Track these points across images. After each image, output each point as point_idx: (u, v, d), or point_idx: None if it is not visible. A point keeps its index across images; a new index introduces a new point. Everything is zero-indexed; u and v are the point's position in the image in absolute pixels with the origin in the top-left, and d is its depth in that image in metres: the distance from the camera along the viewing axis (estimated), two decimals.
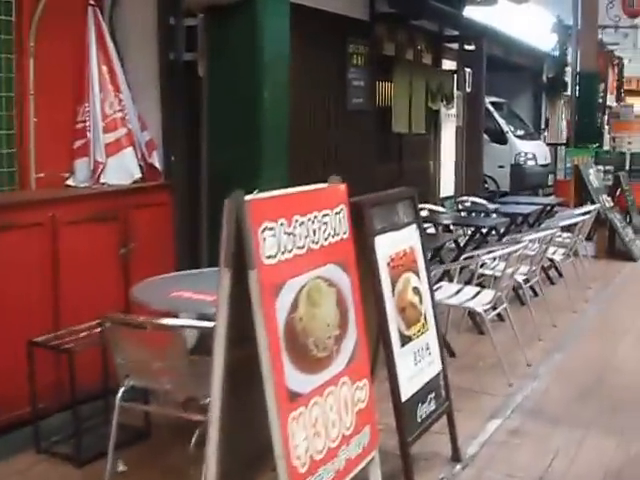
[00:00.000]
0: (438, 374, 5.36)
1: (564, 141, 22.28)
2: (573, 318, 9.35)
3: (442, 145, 14.60)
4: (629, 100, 40.20)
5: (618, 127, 24.01)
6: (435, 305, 5.43)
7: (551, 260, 9.97)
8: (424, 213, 10.49)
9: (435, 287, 7.10)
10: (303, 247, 3.79)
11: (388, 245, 4.93)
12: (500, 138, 19.44)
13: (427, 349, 5.24)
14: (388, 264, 4.90)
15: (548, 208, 12.05)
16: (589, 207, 11.30)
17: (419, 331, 5.15)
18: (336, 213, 4.20)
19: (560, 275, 10.73)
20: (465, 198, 12.31)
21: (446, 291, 7.39)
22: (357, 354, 4.20)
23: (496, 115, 19.55)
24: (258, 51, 6.51)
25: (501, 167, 19.31)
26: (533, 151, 19.50)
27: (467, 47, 15.09)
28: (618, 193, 14.65)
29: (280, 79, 6.71)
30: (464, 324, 8.28)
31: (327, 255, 4.04)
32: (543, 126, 22.18)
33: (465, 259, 8.41)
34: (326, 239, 4.05)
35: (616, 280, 11.73)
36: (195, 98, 7.12)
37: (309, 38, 9.70)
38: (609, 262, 13.01)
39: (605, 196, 13.89)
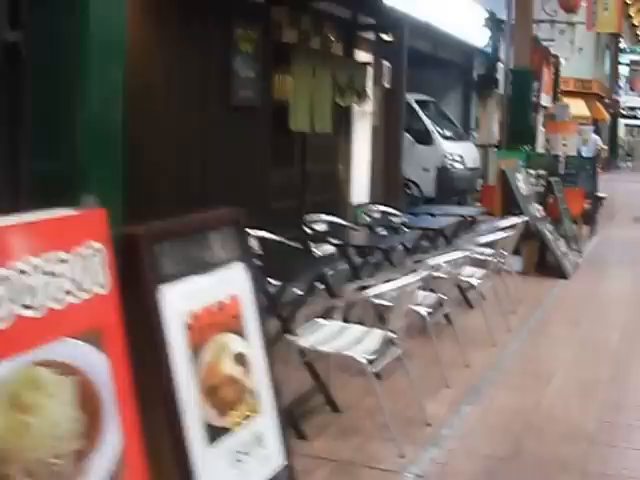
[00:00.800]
0: (278, 474, 3.76)
1: (495, 142, 20.94)
2: (491, 355, 7.84)
3: (355, 146, 13.02)
4: (566, 101, 39.33)
5: (553, 128, 22.71)
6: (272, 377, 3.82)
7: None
8: (321, 227, 8.90)
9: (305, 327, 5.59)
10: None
11: (187, 297, 3.37)
12: (425, 139, 17.98)
13: (259, 441, 3.64)
14: (187, 325, 3.30)
15: (469, 219, 10.51)
16: (515, 219, 9.75)
17: (244, 417, 3.55)
18: (83, 255, 2.76)
19: (482, 297, 9.22)
20: (373, 207, 10.75)
21: (323, 333, 5.79)
22: (124, 474, 2.64)
23: (421, 114, 18.07)
24: (83, 34, 4.82)
25: (426, 170, 17.84)
26: (461, 153, 18.04)
27: (385, 38, 13.50)
28: (550, 201, 13.16)
29: (111, 72, 5.00)
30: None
31: (59, 325, 2.64)
32: (473, 126, 20.71)
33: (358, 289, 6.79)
34: (58, 299, 2.63)
35: (545, 302, 10.27)
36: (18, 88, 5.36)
37: (182, 21, 8.12)
38: (538, 280, 11.56)
39: (535, 205, 12.40)
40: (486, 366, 7.44)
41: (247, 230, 3.89)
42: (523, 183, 12.39)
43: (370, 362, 5.38)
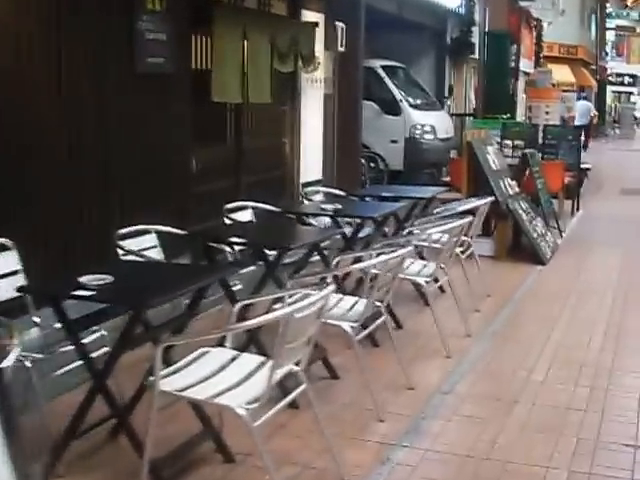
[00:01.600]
0: None
1: (472, 111, 19.44)
2: (443, 369, 6.44)
3: (303, 118, 11.46)
4: (550, 67, 37.75)
5: (534, 95, 21.22)
6: None
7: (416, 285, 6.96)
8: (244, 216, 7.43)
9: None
10: None
11: None
12: (393, 108, 16.48)
13: None
14: None
15: (425, 202, 9.00)
16: (476, 202, 8.25)
17: None
18: None
19: (441, 290, 7.79)
20: (313, 189, 9.26)
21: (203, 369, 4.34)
22: None
23: (388, 81, 16.56)
24: None
25: (394, 142, 16.36)
26: (432, 123, 16.52)
27: None
28: (525, 175, 11.67)
29: None
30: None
31: None
32: (447, 94, 19.14)
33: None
34: None
35: (516, 296, 8.79)
36: None
37: None
38: (511, 266, 10.13)
39: (508, 180, 10.90)
40: (434, 388, 5.98)
41: None
42: (494, 156, 10.89)
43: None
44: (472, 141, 10.37)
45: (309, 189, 9.08)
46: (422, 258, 7.85)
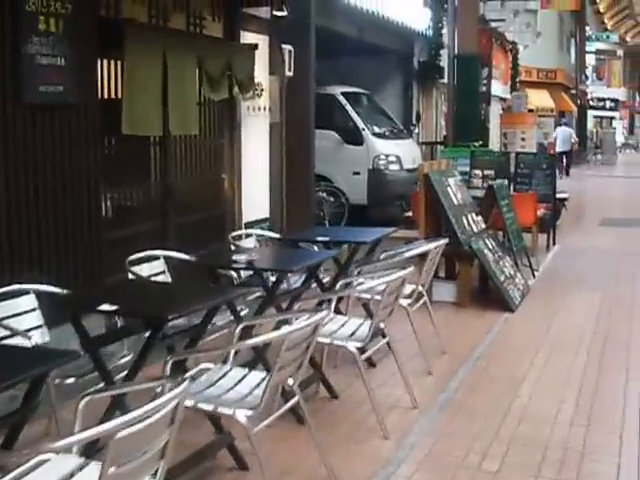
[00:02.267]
0: None
1: (442, 139, 18.39)
2: (377, 455, 5.31)
3: (245, 150, 10.36)
4: (529, 92, 36.82)
5: (509, 121, 20.23)
6: None
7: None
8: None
9: None
10: None
11: None
12: (355, 138, 15.38)
13: None
14: None
15: (372, 245, 7.84)
16: (431, 244, 7.12)
17: None
18: None
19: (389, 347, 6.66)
20: (246, 231, 8.17)
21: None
22: None
23: (349, 109, 15.45)
24: None
25: (357, 174, 15.25)
26: (398, 153, 15.42)
27: (278, 13, 10.86)
28: (493, 209, 10.57)
29: None
30: None
31: None
32: (414, 121, 18.06)
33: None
34: None
35: (477, 351, 7.67)
36: None
37: None
38: (475, 314, 9.00)
39: (473, 216, 9.78)
40: None
41: None
42: (456, 190, 9.76)
43: None
44: (430, 174, 9.23)
45: (235, 233, 7.89)
46: (368, 311, 6.72)
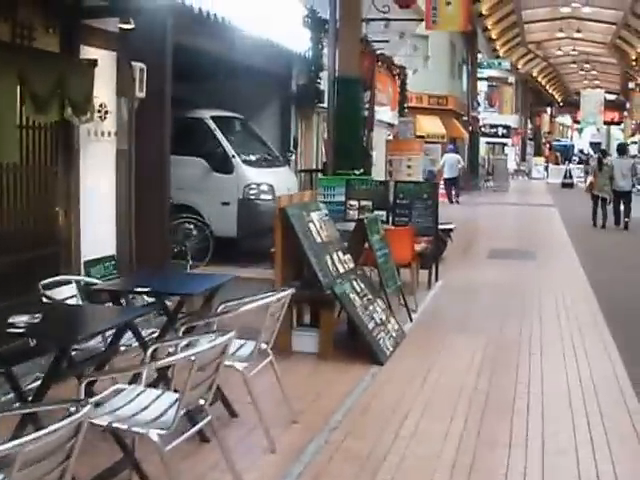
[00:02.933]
0: None
1: (320, 167, 17.35)
2: None
3: (85, 180, 9.07)
4: (421, 118, 36.18)
5: (395, 148, 19.38)
6: None
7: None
8: None
9: None
10: None
11: None
12: (224, 165, 14.20)
13: None
14: None
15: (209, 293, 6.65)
16: (271, 297, 5.92)
17: None
18: None
19: (232, 415, 5.46)
20: (60, 278, 6.87)
21: None
22: None
23: (219, 134, 14.25)
24: None
25: (226, 204, 14.02)
26: (271, 182, 14.25)
27: (124, 26, 9.64)
28: (365, 246, 9.49)
29: None
30: None
31: None
32: (291, 148, 16.93)
33: None
34: None
35: (332, 420, 6.45)
36: None
37: None
38: (338, 369, 7.90)
39: (340, 254, 8.67)
40: None
41: None
42: (320, 225, 8.63)
43: None
44: (287, 208, 8.07)
45: (49, 280, 6.59)
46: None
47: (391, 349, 8.27)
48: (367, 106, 16.84)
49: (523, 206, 30.65)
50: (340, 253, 8.72)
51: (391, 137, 24.02)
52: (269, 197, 14.18)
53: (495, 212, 27.85)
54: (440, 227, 14.68)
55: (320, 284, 7.82)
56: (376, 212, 12.30)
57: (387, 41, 18.92)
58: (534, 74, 66.03)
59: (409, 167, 19.35)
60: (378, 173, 20.05)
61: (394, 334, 8.60)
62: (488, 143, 55.05)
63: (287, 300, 5.93)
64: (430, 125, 37.52)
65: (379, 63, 22.37)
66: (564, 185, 44.11)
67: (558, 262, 15.58)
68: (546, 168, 56.66)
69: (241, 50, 14.59)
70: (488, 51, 50.45)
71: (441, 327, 9.76)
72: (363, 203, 12.56)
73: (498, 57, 52.15)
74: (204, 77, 15.86)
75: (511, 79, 57.47)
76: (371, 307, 8.48)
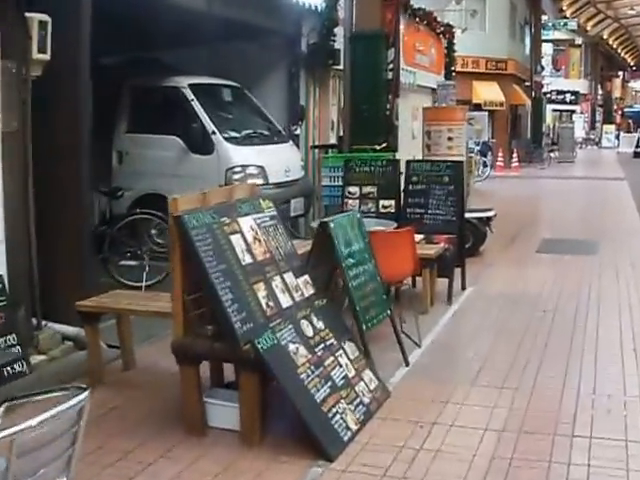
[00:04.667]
0: None
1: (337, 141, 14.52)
2: None
3: None
4: (477, 85, 32.94)
5: (432, 117, 16.32)
6: None
7: None
8: None
9: None
10: None
11: None
12: (204, 145, 11.39)
13: None
14: None
15: None
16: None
17: None
18: None
19: None
20: None
21: None
22: None
23: (197, 107, 11.46)
24: None
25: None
26: (260, 162, 11.42)
27: None
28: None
29: None
30: None
31: None
32: (299, 120, 14.05)
33: None
34: None
35: None
36: None
37: None
38: (266, 462, 4.99)
39: (289, 279, 5.84)
40: None
41: None
42: (255, 236, 5.76)
43: None
44: (186, 216, 5.22)
45: None
46: None
47: (355, 427, 5.42)
48: (391, 67, 13.85)
49: (589, 180, 27.33)
50: (289, 276, 5.89)
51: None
52: (259, 181, 11.37)
53: (555, 188, 24.64)
54: (476, 215, 11.84)
55: (234, 334, 4.99)
56: (382, 201, 9.47)
57: None
58: (604, 36, 61.59)
59: (450, 139, 16.29)
60: (416, 147, 17.12)
61: (366, 398, 5.75)
62: (555, 110, 51.38)
63: (85, 410, 3.14)
64: (487, 92, 34.36)
65: (417, 19, 19.37)
66: (636, 155, 40.47)
67: (627, 257, 12.40)
68: (617, 136, 52.82)
69: (236, 4, 11.85)
70: (554, 12, 46.72)
71: (449, 375, 6.84)
72: (366, 190, 9.75)
73: (565, 17, 48.35)
74: (190, 38, 13.11)
75: (578, 41, 53.59)
76: (328, 361, 5.64)
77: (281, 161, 12.02)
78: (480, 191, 22.35)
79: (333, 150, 14.28)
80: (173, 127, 11.57)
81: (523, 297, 9.58)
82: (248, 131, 12.18)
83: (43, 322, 7.33)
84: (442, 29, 22.37)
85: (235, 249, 5.50)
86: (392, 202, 9.59)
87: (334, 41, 14.09)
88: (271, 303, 5.55)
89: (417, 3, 19.12)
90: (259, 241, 5.80)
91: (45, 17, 7.32)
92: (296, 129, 13.23)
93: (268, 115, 13.05)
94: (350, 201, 9.76)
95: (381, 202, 9.60)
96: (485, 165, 27.68)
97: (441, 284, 9.35)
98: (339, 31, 13.92)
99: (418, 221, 9.36)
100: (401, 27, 18.02)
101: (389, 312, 6.83)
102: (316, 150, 14.53)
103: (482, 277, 10.61)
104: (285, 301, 5.72)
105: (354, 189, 9.73)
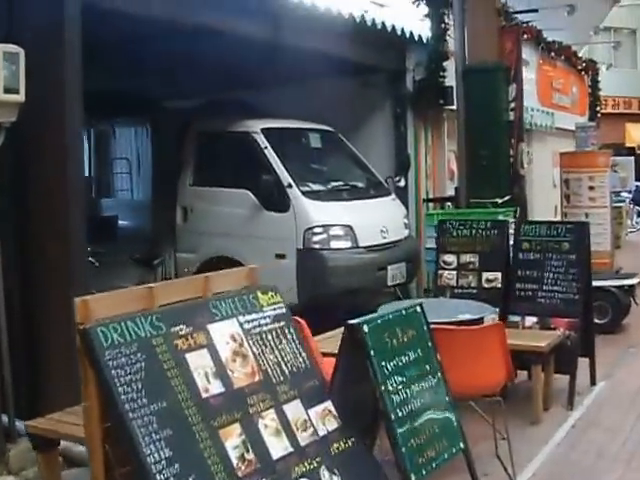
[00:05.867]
0: None
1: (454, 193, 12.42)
2: None
3: None
4: (630, 128, 30.16)
5: (570, 163, 14.04)
6: None
7: None
8: None
9: None
10: None
11: None
12: (277, 200, 9.57)
13: None
14: None
15: None
16: None
17: None
18: None
19: None
20: None
21: None
22: None
23: (270, 154, 9.62)
24: None
25: (280, 256, 9.39)
26: (348, 221, 9.48)
27: None
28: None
29: None
30: None
31: None
32: (400, 170, 11.97)
33: None
34: None
35: None
36: None
37: None
38: None
39: (315, 411, 3.76)
40: None
41: None
42: (234, 351, 3.77)
43: None
44: (96, 330, 3.25)
45: None
46: None
47: None
48: (512, 106, 11.70)
49: None
50: (293, 406, 3.89)
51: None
52: (345, 244, 9.44)
53: None
54: (616, 283, 9.58)
55: None
56: (486, 274, 7.36)
57: (536, 11, 13.61)
58: None
59: (591, 189, 13.96)
60: (558, 198, 14.84)
61: None
62: None
63: None
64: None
65: (552, 54, 17.12)
66: None
67: None
68: None
69: (330, 37, 10.11)
70: None
71: None
72: (465, 259, 7.61)
73: None
74: (278, 77, 11.40)
75: None
76: None
77: (377, 219, 10.04)
78: (633, 243, 19.80)
79: (450, 204, 12.22)
80: (244, 179, 9.84)
81: None
82: (336, 183, 10.25)
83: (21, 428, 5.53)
84: (584, 65, 20.01)
85: (192, 374, 3.52)
86: (498, 275, 7.45)
87: (444, 77, 12.06)
88: (249, 455, 3.54)
89: (552, 36, 16.83)
90: (242, 357, 3.82)
91: (14, 48, 5.59)
92: (399, 180, 11.17)
93: (367, 164, 11.12)
94: (446, 273, 7.67)
95: (484, 275, 7.49)
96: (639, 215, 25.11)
97: (563, 379, 7.12)
98: (450, 65, 11.90)
99: (530, 300, 7.18)
100: (533, 62, 15.94)
101: (462, 447, 4.67)
102: (431, 205, 12.46)
103: (621, 365, 8.34)
104: (278, 448, 3.70)
105: (450, 257, 7.65)
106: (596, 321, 9.84)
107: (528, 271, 7.40)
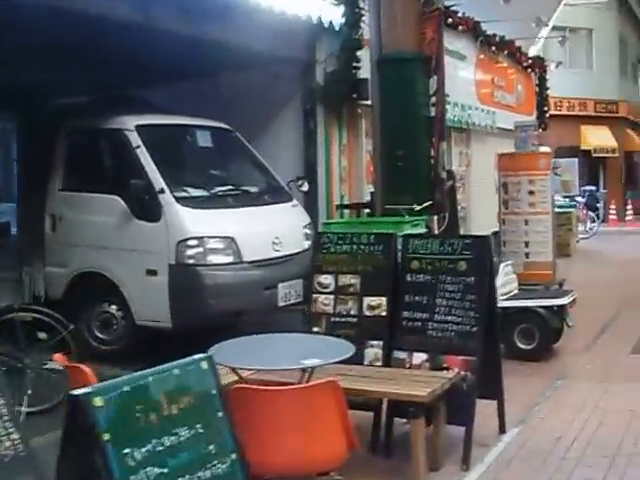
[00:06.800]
0: None
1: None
2: None
3: None
4: (586, 130, 29.18)
5: (508, 165, 12.80)
6: None
7: None
8: None
9: None
10: None
11: None
12: (148, 207, 8.14)
13: None
14: None
15: None
16: None
17: None
18: None
19: None
20: None
21: None
22: None
23: (142, 155, 8.28)
24: None
25: (151, 273, 8.02)
26: (229, 232, 8.13)
27: None
28: None
29: None
30: None
31: None
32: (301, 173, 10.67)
33: None
34: None
35: None
36: None
37: None
38: None
39: None
40: None
41: None
42: None
43: None
44: None
45: None
46: None
47: None
48: (433, 100, 10.39)
49: None
50: None
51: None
52: (226, 259, 8.10)
53: None
54: (543, 303, 8.39)
55: None
56: (367, 299, 6.05)
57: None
58: None
59: (531, 193, 12.71)
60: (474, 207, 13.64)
61: None
62: None
63: None
64: (597, 137, 30.59)
65: (492, 49, 15.89)
66: None
67: None
68: None
69: (226, 24, 8.80)
70: None
71: None
72: (344, 280, 6.28)
73: None
74: (171, 70, 10.08)
75: None
76: None
77: (268, 229, 8.70)
78: (584, 251, 18.97)
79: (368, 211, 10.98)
80: (115, 183, 8.53)
81: (602, 448, 5.92)
82: (223, 188, 8.90)
83: None
84: (530, 62, 18.81)
85: None
86: (383, 300, 6.11)
87: (359, 68, 10.77)
88: None
89: (492, 29, 15.60)
90: None
91: None
92: (302, 184, 9.84)
93: (266, 166, 9.80)
94: (322, 297, 6.32)
95: (366, 300, 6.14)
96: (593, 220, 24.01)
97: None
98: (365, 55, 10.60)
99: (419, 332, 5.87)
100: (471, 56, 14.71)
101: None
102: (346, 212, 11.16)
103: (543, 404, 7.08)
104: None
105: (328, 279, 6.31)
106: (521, 347, 8.75)
107: (417, 296, 6.05)
